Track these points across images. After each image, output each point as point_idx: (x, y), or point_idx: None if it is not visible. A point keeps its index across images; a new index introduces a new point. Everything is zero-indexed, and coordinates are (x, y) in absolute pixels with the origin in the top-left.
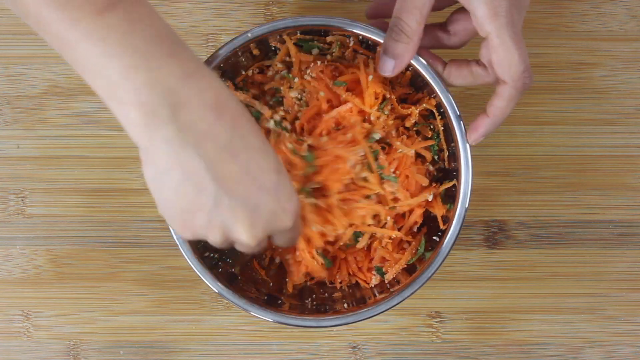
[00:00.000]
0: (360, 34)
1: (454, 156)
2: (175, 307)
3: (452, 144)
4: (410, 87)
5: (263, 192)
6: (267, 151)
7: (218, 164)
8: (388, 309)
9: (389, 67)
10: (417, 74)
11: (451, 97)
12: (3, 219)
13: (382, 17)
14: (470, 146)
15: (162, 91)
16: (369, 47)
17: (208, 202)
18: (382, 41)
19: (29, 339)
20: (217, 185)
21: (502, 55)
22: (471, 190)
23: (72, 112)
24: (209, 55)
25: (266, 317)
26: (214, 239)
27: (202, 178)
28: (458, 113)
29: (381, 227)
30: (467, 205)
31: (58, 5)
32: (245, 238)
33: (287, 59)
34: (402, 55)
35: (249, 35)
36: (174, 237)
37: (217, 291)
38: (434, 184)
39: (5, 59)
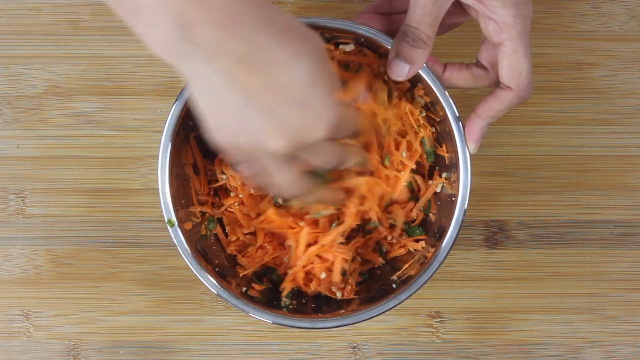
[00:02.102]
0: (361, 35)
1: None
2: (175, 307)
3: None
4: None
5: (290, 104)
6: (298, 63)
7: (236, 76)
8: (387, 310)
9: (404, 72)
10: (415, 75)
11: (450, 99)
12: (3, 219)
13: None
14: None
15: (172, 13)
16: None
17: (234, 110)
18: (382, 42)
19: (29, 339)
20: (239, 96)
21: (515, 63)
22: (470, 191)
23: (72, 112)
24: None
25: (264, 318)
26: (245, 144)
27: (224, 90)
28: (457, 114)
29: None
30: (466, 206)
31: None
32: (274, 144)
33: None
34: (418, 60)
35: None
36: (173, 237)
37: (215, 292)
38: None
39: (5, 59)
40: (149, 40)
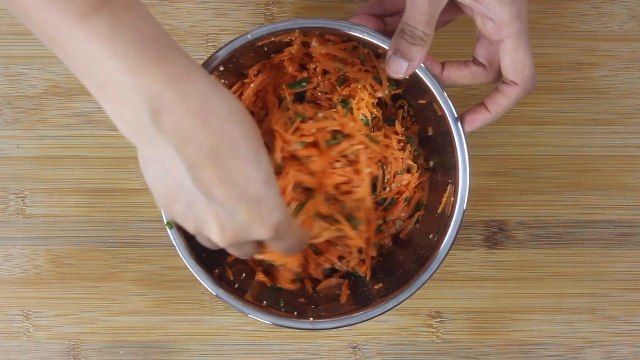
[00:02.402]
0: (358, 37)
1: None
2: (175, 307)
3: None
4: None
5: (243, 200)
6: (259, 161)
7: (199, 167)
8: (387, 310)
9: (403, 69)
10: (412, 75)
11: (449, 99)
12: (3, 219)
13: (372, 15)
14: (468, 143)
15: (144, 95)
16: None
17: (186, 197)
18: (379, 43)
19: (29, 339)
20: (195, 186)
21: (517, 59)
22: (469, 191)
23: (72, 112)
24: (208, 56)
25: (263, 319)
26: (189, 229)
27: (182, 176)
28: (455, 115)
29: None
30: (465, 207)
31: (46, 6)
32: (215, 239)
33: None
34: (416, 57)
35: (249, 36)
36: (171, 237)
37: (214, 293)
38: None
39: (5, 59)
40: (115, 117)
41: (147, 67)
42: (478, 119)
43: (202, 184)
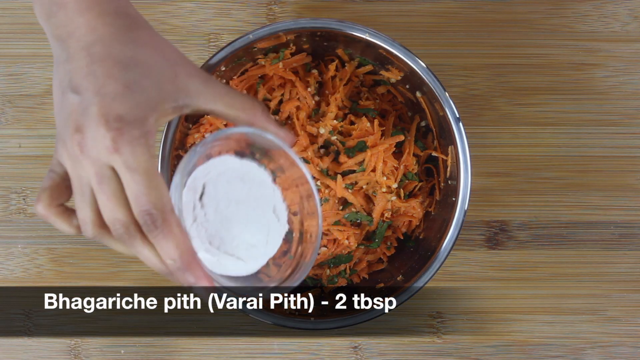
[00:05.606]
0: (360, 37)
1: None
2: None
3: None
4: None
5: (99, 97)
6: (125, 68)
7: (74, 61)
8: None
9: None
10: (414, 76)
11: (451, 101)
12: (4, 218)
13: None
14: (469, 144)
15: None
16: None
17: (64, 94)
18: (381, 43)
19: (30, 338)
20: (68, 78)
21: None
22: (470, 192)
23: None
24: (210, 56)
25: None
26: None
27: (63, 71)
28: (457, 115)
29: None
30: (466, 207)
31: None
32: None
33: None
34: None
35: (251, 36)
36: None
37: (215, 293)
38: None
39: (7, 58)
40: (35, 10)
41: None
42: None
43: (73, 75)
